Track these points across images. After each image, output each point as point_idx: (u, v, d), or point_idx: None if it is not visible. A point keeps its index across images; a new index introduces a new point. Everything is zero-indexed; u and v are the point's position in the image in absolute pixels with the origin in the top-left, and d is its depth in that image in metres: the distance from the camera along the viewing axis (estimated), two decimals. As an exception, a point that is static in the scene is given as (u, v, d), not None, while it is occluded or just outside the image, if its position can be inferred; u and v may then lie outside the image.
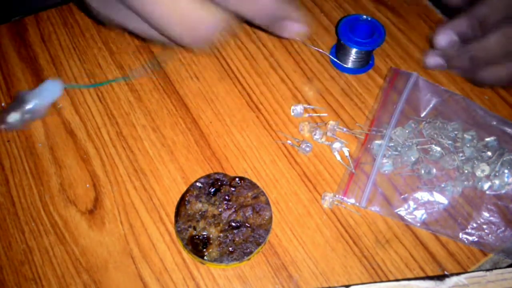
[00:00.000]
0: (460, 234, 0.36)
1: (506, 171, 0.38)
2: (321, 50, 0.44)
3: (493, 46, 0.38)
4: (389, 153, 0.39)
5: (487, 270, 0.33)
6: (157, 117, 0.41)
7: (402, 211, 0.37)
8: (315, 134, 0.40)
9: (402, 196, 0.37)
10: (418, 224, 0.36)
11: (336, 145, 0.39)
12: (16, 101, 0.39)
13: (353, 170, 0.38)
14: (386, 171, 0.38)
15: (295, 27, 0.33)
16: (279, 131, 0.40)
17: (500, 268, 0.34)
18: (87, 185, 0.37)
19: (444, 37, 0.39)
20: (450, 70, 0.44)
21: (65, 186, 0.37)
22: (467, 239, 0.36)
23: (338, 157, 0.39)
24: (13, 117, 0.38)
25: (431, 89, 0.42)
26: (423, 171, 0.38)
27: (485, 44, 0.38)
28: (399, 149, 0.39)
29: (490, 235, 0.36)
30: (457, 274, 0.33)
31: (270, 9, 0.32)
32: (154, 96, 0.42)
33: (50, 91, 0.40)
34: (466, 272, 0.35)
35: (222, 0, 0.31)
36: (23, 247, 0.35)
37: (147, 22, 0.31)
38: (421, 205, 0.37)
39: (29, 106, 0.38)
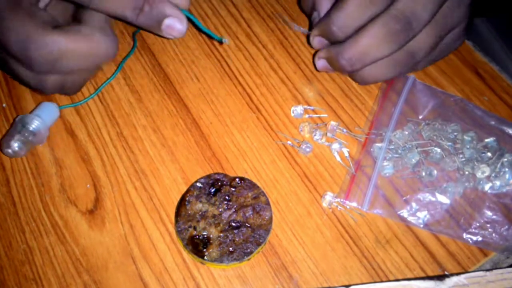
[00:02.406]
0: (464, 234, 0.36)
1: (506, 169, 0.38)
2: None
3: (366, 46, 0.36)
4: (390, 155, 0.39)
5: (487, 270, 0.33)
6: (157, 118, 0.41)
7: (404, 213, 0.37)
8: (315, 135, 0.40)
9: (404, 198, 0.37)
10: (422, 226, 0.36)
11: (336, 146, 0.39)
12: (17, 125, 0.37)
13: (353, 171, 0.38)
14: (387, 174, 0.38)
15: (176, 25, 0.34)
16: (279, 131, 0.41)
17: (500, 268, 0.34)
18: (88, 185, 0.38)
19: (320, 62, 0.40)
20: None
21: (65, 186, 0.37)
22: (471, 239, 0.36)
23: (338, 158, 0.39)
24: (18, 140, 0.37)
25: (428, 92, 0.42)
26: (424, 173, 0.38)
27: (357, 45, 0.36)
28: (399, 151, 0.39)
29: (494, 234, 0.36)
30: (457, 274, 0.33)
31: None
32: (155, 97, 0.42)
33: (49, 113, 0.39)
34: (466, 272, 0.35)
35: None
36: (23, 247, 0.35)
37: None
38: (424, 206, 0.37)
39: (31, 128, 0.37)
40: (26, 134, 0.37)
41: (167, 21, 0.34)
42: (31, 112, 0.39)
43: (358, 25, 0.36)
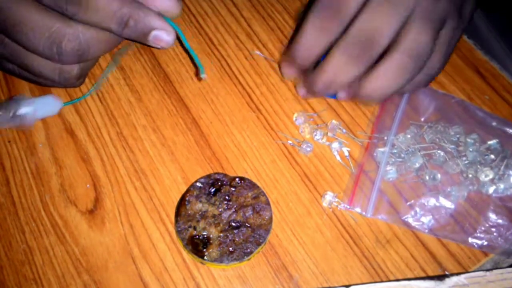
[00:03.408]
0: (469, 239, 0.36)
1: (510, 172, 0.37)
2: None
3: (333, 72, 0.35)
4: (393, 160, 0.39)
5: (488, 270, 0.33)
6: (157, 118, 0.41)
7: (409, 218, 0.36)
8: (315, 135, 0.40)
9: (408, 203, 0.37)
10: (426, 231, 0.36)
11: (336, 145, 0.39)
12: (10, 102, 0.38)
13: (353, 170, 0.38)
14: (391, 179, 0.38)
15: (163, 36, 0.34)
16: (280, 131, 0.41)
17: (500, 268, 0.34)
18: (88, 185, 0.38)
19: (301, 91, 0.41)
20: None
21: (65, 186, 0.37)
22: (476, 243, 0.36)
23: (338, 157, 0.39)
24: (2, 113, 0.37)
25: (429, 93, 0.42)
26: (427, 177, 0.38)
27: (325, 72, 0.36)
28: (402, 155, 0.39)
29: (499, 238, 0.36)
30: (458, 274, 0.33)
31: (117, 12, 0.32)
32: (155, 97, 0.42)
33: (48, 106, 0.39)
34: (466, 272, 0.35)
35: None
36: (23, 247, 0.35)
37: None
38: (428, 211, 0.37)
39: (22, 111, 0.37)
40: (11, 114, 0.37)
41: (153, 33, 0.34)
42: (33, 97, 0.39)
43: (319, 51, 0.36)
